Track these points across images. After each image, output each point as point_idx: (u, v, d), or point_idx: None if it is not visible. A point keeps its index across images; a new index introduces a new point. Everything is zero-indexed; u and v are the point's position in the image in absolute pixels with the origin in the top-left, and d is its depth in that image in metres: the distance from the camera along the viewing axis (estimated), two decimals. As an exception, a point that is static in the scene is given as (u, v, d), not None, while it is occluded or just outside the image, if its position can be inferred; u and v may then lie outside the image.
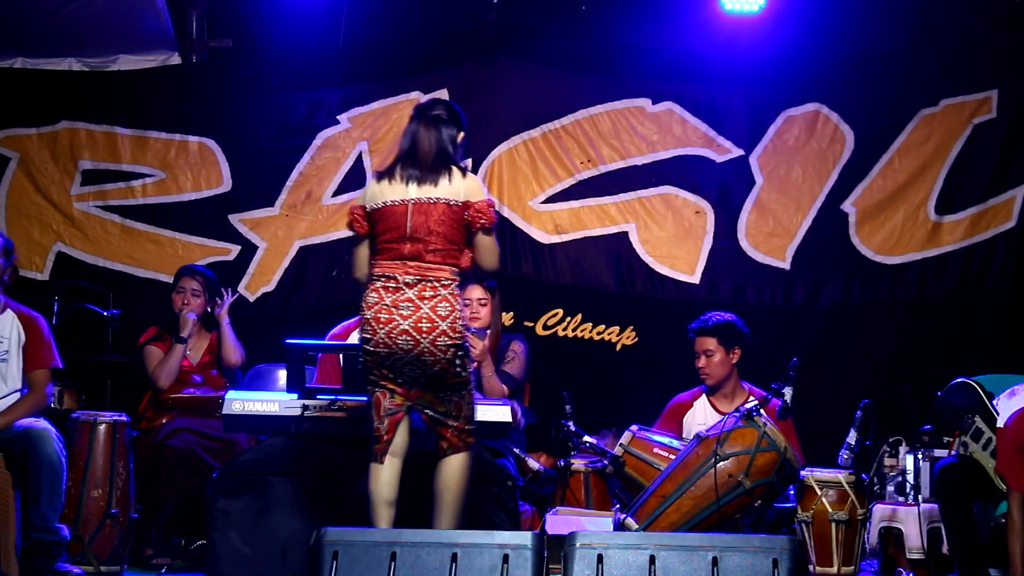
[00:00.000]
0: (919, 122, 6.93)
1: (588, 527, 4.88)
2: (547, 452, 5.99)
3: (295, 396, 5.00)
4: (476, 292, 5.72)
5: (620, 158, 7.03)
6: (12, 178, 7.04)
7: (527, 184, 6.99)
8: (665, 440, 5.48)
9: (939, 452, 5.33)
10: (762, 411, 4.93)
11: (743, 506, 4.81)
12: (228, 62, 7.43)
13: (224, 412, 5.02)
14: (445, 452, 4.45)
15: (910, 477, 5.56)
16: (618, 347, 6.94)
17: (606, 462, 5.47)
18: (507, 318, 6.66)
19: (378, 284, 4.40)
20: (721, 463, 4.79)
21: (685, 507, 4.76)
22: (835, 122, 6.98)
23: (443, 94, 7.03)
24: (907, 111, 6.94)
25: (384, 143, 7.07)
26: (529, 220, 6.97)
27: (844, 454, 5.11)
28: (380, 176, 4.51)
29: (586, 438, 5.53)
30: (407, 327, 4.33)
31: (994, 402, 5.08)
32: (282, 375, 5.82)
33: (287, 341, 5.06)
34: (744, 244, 6.97)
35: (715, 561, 3.76)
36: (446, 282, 4.39)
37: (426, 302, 4.35)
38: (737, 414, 4.93)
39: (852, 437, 5.12)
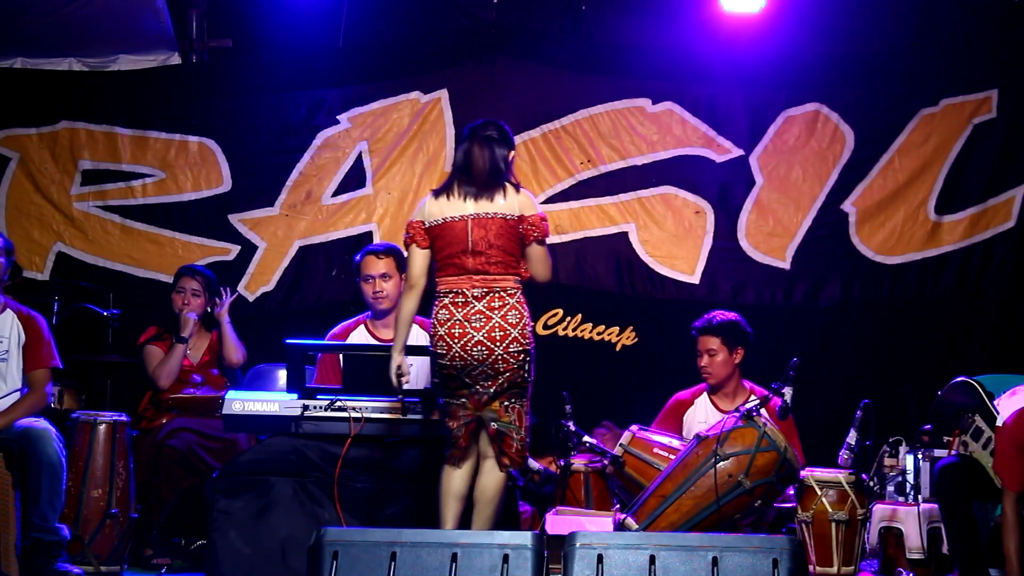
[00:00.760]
0: (919, 122, 6.93)
1: (588, 527, 4.88)
2: (547, 452, 5.99)
3: (295, 396, 5.00)
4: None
5: (620, 158, 7.03)
6: (12, 178, 7.04)
7: (527, 184, 6.97)
8: (665, 440, 5.48)
9: (939, 452, 5.33)
10: (762, 411, 4.93)
11: (743, 506, 4.81)
12: (228, 62, 7.42)
13: (224, 412, 5.02)
14: (504, 466, 4.63)
15: (910, 477, 5.56)
16: (618, 347, 6.94)
17: (606, 462, 5.47)
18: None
19: (446, 300, 4.63)
20: (721, 463, 4.79)
21: (685, 507, 4.77)
22: (835, 122, 6.98)
23: (443, 94, 7.05)
24: (907, 111, 6.94)
25: (384, 143, 7.07)
26: (529, 220, 6.97)
27: (844, 454, 5.10)
28: (437, 193, 4.73)
29: (586, 438, 5.54)
30: (481, 338, 4.56)
31: (995, 402, 5.08)
32: (282, 375, 5.83)
33: (287, 341, 5.07)
34: (744, 244, 6.97)
35: (715, 561, 3.76)
36: (512, 291, 4.64)
37: (496, 312, 4.59)
38: (737, 414, 4.94)
39: (852, 437, 5.11)
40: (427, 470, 4.92)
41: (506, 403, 4.61)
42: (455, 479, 4.68)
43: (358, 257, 5.68)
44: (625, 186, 7.02)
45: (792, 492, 5.15)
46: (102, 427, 5.35)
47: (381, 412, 4.97)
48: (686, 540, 3.89)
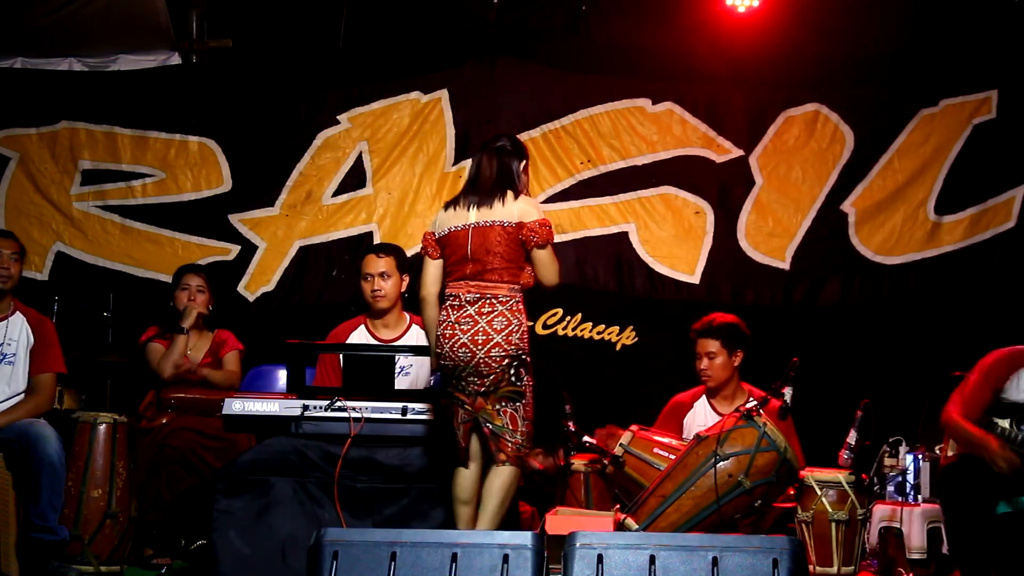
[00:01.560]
0: (919, 122, 6.93)
1: (588, 527, 4.87)
2: (547, 452, 5.99)
3: (295, 396, 5.00)
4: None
5: (620, 158, 7.04)
6: (12, 178, 7.04)
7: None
8: (665, 440, 5.48)
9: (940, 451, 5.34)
10: (762, 411, 4.93)
11: (743, 506, 4.81)
12: (228, 62, 7.42)
13: (224, 412, 5.03)
14: (501, 463, 4.66)
15: (910, 477, 5.56)
16: (618, 347, 6.95)
17: (606, 462, 5.47)
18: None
19: (447, 304, 4.77)
20: (721, 463, 4.79)
21: (685, 507, 4.76)
22: (835, 122, 6.99)
23: (443, 94, 7.05)
24: (907, 111, 6.94)
25: (384, 143, 7.07)
26: (529, 220, 6.97)
27: (844, 454, 5.11)
28: (448, 205, 4.88)
29: (586, 438, 5.54)
30: (465, 340, 4.65)
31: None
32: (282, 375, 5.83)
33: (287, 341, 5.06)
34: (744, 244, 6.98)
35: (715, 561, 3.76)
36: (504, 299, 4.69)
37: (483, 317, 4.66)
38: (737, 414, 4.94)
39: (852, 437, 5.11)
40: (427, 470, 4.92)
41: (498, 406, 4.66)
42: (462, 480, 4.73)
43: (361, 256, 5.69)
44: (625, 186, 7.02)
45: (792, 492, 5.15)
46: (102, 427, 5.35)
47: (381, 412, 4.97)
48: (686, 540, 3.89)
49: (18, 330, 5.25)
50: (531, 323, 6.80)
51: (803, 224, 6.96)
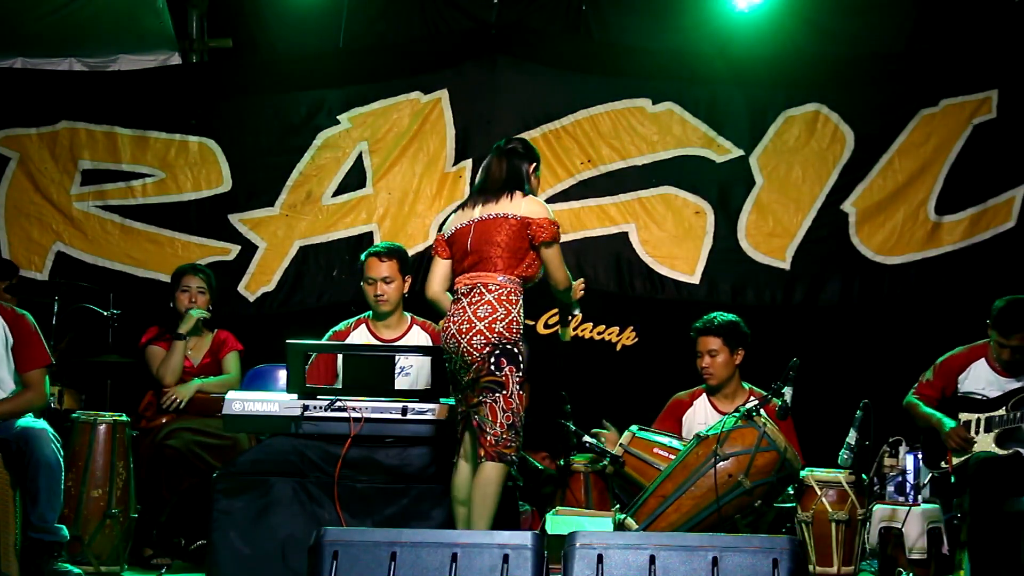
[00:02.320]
0: (919, 122, 6.93)
1: (588, 527, 4.87)
2: (547, 452, 5.99)
3: (295, 396, 5.00)
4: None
5: (620, 158, 7.03)
6: (12, 178, 7.04)
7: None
8: (665, 440, 5.48)
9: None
10: (762, 411, 4.93)
11: (743, 506, 4.81)
12: (228, 62, 7.42)
13: (224, 412, 5.02)
14: (481, 459, 4.60)
15: (910, 477, 5.57)
16: (618, 347, 6.94)
17: (606, 462, 5.47)
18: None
19: (452, 299, 4.82)
20: (721, 463, 4.79)
21: (685, 507, 4.76)
22: (835, 122, 6.98)
23: (443, 94, 7.05)
24: (907, 111, 6.94)
25: (384, 143, 7.07)
26: (529, 220, 6.97)
27: (844, 454, 5.11)
28: (457, 207, 4.96)
29: (586, 438, 5.54)
30: (453, 331, 4.68)
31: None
32: (282, 375, 5.82)
33: (287, 341, 5.06)
34: (744, 244, 6.97)
35: (715, 561, 3.76)
36: (493, 287, 4.67)
37: (471, 307, 4.67)
38: (737, 414, 4.93)
39: (852, 437, 5.11)
40: (427, 470, 4.92)
41: (480, 397, 4.61)
42: (456, 479, 4.70)
43: (363, 256, 5.67)
44: (625, 186, 7.02)
45: (792, 492, 5.15)
46: (102, 427, 5.35)
47: (381, 412, 4.96)
48: (686, 540, 3.88)
49: None
50: (531, 321, 6.84)
51: (803, 224, 6.96)
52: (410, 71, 7.11)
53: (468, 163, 7.04)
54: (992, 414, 5.37)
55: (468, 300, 4.67)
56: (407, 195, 7.04)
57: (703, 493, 4.77)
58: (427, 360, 5.33)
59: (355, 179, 7.06)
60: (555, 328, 6.92)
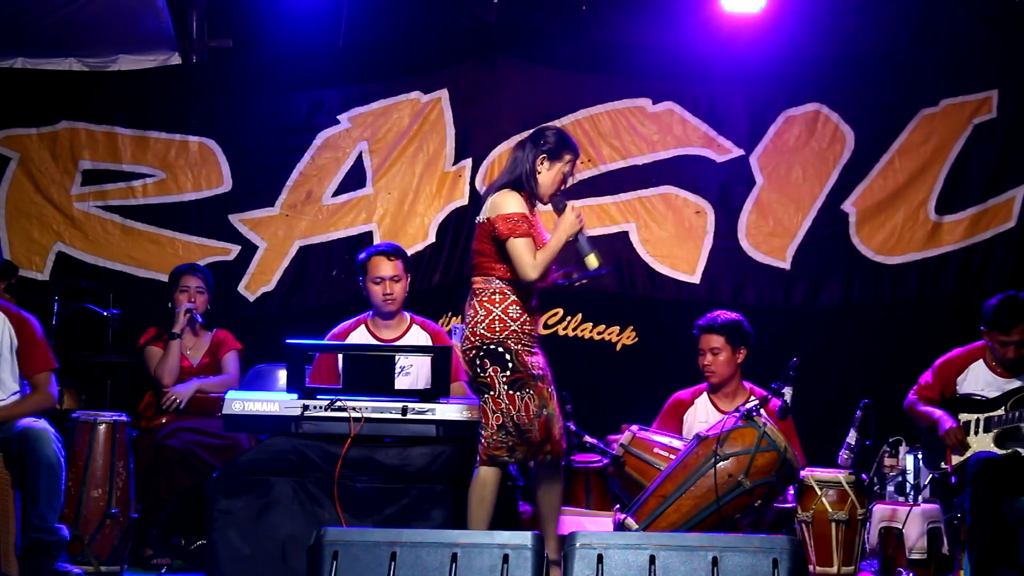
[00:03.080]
0: (919, 122, 6.93)
1: (588, 527, 4.87)
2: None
3: (295, 396, 5.00)
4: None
5: (620, 158, 7.04)
6: (12, 178, 7.03)
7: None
8: (665, 440, 5.48)
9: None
10: (762, 411, 4.93)
11: (743, 506, 4.81)
12: (228, 62, 7.42)
13: (224, 412, 5.02)
14: (476, 463, 4.63)
15: (910, 477, 5.57)
16: (618, 347, 6.95)
17: (606, 462, 5.47)
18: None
19: None
20: (721, 463, 4.79)
21: (685, 507, 4.76)
22: (835, 122, 6.98)
23: (443, 94, 7.05)
24: (907, 111, 6.94)
25: (384, 143, 7.07)
26: (529, 220, 6.97)
27: (844, 454, 5.11)
28: None
29: (586, 438, 5.54)
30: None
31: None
32: (282, 375, 5.82)
33: (287, 341, 5.06)
34: (744, 244, 6.98)
35: (715, 561, 3.76)
36: (478, 290, 4.69)
37: (465, 312, 4.73)
38: (737, 414, 4.94)
39: (852, 437, 5.12)
40: (427, 470, 4.92)
41: (478, 402, 4.68)
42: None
43: (363, 256, 5.65)
44: (625, 186, 7.02)
45: (792, 492, 5.15)
46: (102, 427, 5.34)
47: (381, 412, 4.96)
48: (686, 540, 3.88)
49: (0, 330, 5.19)
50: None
51: (803, 224, 6.96)
52: (410, 71, 7.11)
53: (468, 163, 7.04)
54: (991, 414, 5.38)
55: (467, 305, 4.74)
56: (407, 195, 7.05)
57: (703, 493, 4.77)
58: (427, 360, 5.33)
59: (355, 179, 7.06)
60: (554, 328, 6.93)
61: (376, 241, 6.89)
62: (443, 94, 7.06)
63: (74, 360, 6.14)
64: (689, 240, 6.98)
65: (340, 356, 5.36)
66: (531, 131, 4.88)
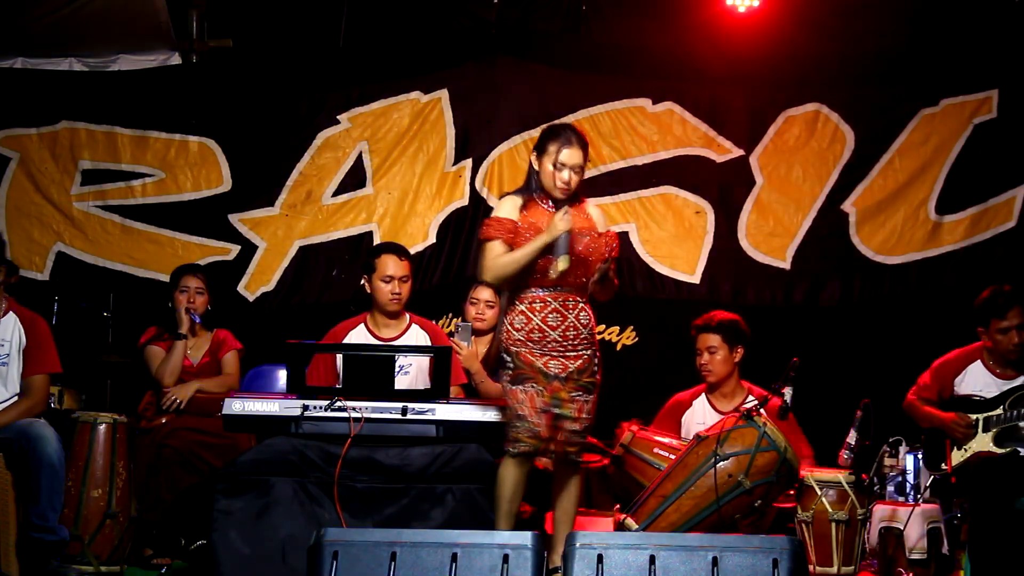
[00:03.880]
0: (919, 122, 6.93)
1: (588, 527, 4.87)
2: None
3: (295, 396, 5.00)
4: (484, 293, 5.94)
5: (620, 158, 7.04)
6: (12, 178, 7.04)
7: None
8: (665, 440, 5.48)
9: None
10: (762, 411, 4.93)
11: (743, 506, 4.81)
12: (228, 62, 7.42)
13: (224, 412, 5.01)
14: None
15: (910, 477, 5.57)
16: (618, 347, 6.94)
17: (606, 462, 5.47)
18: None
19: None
20: (721, 463, 4.79)
21: (685, 507, 4.76)
22: (835, 122, 6.99)
23: (443, 94, 7.05)
24: (907, 111, 6.95)
25: (384, 143, 7.07)
26: (529, 220, 6.97)
27: (844, 454, 5.11)
28: None
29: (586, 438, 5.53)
30: None
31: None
32: (282, 375, 5.82)
33: (287, 341, 5.06)
34: (744, 244, 6.98)
35: (715, 561, 3.76)
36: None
37: None
38: (737, 414, 4.94)
39: (852, 437, 5.12)
40: (427, 470, 4.92)
41: None
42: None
43: (372, 253, 5.64)
44: (625, 186, 7.02)
45: (792, 492, 5.15)
46: (102, 427, 5.34)
47: (381, 412, 4.96)
48: (686, 540, 3.88)
49: (11, 330, 5.19)
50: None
51: (804, 224, 6.97)
52: (410, 71, 7.11)
53: (468, 163, 7.04)
54: (990, 414, 5.37)
55: None
56: (407, 195, 7.04)
57: (703, 493, 4.77)
58: (427, 360, 5.32)
59: (355, 179, 7.06)
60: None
61: (376, 241, 6.89)
62: (443, 94, 7.06)
63: (74, 360, 6.13)
64: (689, 240, 6.98)
65: (339, 355, 5.36)
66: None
